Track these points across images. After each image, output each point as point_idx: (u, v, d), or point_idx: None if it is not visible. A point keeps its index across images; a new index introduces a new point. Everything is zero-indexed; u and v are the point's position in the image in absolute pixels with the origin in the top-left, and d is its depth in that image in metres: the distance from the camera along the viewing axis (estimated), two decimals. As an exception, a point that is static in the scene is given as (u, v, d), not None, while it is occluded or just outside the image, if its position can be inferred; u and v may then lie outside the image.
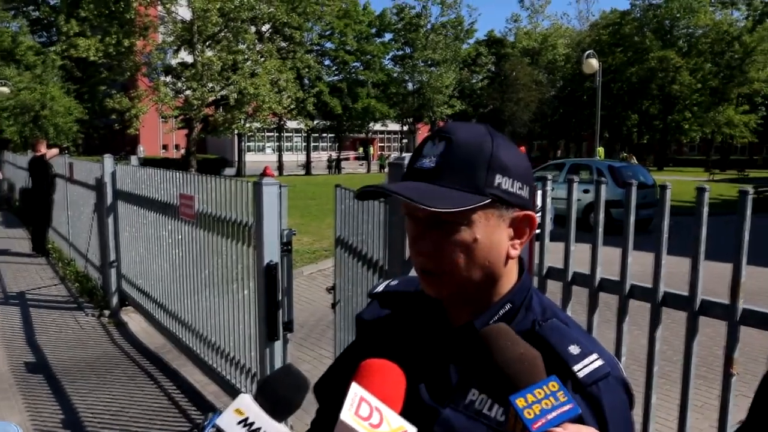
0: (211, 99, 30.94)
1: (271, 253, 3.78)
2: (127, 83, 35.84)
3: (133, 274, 6.82)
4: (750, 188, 1.91)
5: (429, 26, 47.61)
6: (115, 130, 41.93)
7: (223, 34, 30.11)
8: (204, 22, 28.71)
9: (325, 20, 39.57)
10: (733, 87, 44.62)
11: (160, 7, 30.18)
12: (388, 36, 49.34)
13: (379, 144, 61.74)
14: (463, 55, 50.28)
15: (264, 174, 3.91)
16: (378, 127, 50.92)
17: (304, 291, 8.33)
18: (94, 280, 8.11)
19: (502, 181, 0.96)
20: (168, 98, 29.33)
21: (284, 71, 31.98)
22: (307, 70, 38.90)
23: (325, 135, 55.31)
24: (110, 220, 7.13)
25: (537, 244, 2.61)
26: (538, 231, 2.59)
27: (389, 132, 59.00)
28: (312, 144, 49.72)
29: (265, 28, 34.73)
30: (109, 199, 7.09)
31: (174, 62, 31.76)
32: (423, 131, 52.69)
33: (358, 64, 47.25)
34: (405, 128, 51.81)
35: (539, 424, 0.79)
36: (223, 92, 30.91)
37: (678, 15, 46.48)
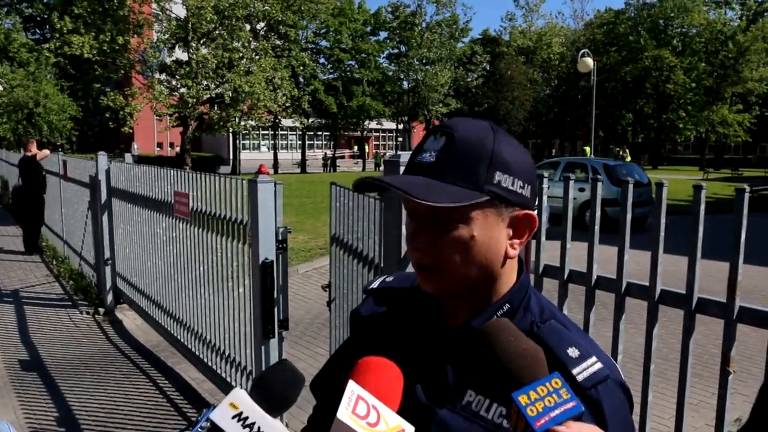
0: (206, 97, 30.86)
1: (267, 250, 3.77)
2: (122, 81, 35.73)
3: (128, 271, 6.80)
4: (747, 186, 1.92)
5: (424, 25, 47.58)
6: (110, 128, 41.71)
7: (217, 31, 30.00)
8: (198, 20, 28.61)
9: (320, 18, 39.47)
10: (727, 86, 44.72)
11: (154, 5, 30.08)
12: (383, 34, 49.33)
13: (375, 142, 61.69)
14: (458, 53, 50.25)
15: (259, 172, 3.91)
16: (373, 125, 50.84)
17: (299, 289, 8.33)
18: (89, 277, 8.09)
19: (503, 179, 0.95)
20: (163, 96, 29.22)
21: (279, 69, 31.90)
22: (302, 68, 38.85)
23: (320, 133, 55.26)
24: (105, 218, 7.11)
25: (533, 243, 2.61)
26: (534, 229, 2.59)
27: (384, 130, 58.96)
28: (307, 142, 49.65)
29: (260, 26, 34.61)
30: (104, 197, 7.06)
31: (169, 60, 31.65)
32: (418, 129, 52.68)
33: (353, 62, 47.16)
34: (400, 126, 51.80)
35: (542, 421, 0.77)
36: (218, 90, 30.83)
37: (672, 14, 46.55)
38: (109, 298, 7.22)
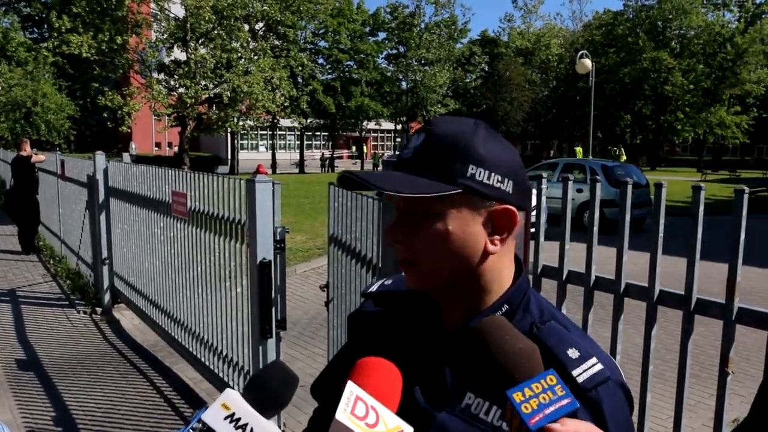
0: (204, 97, 30.84)
1: (265, 250, 3.76)
2: (120, 81, 35.68)
3: (125, 271, 6.79)
4: (746, 187, 1.92)
5: (423, 25, 47.60)
6: (108, 128, 41.66)
7: (216, 31, 29.97)
8: (197, 20, 28.58)
9: (319, 19, 39.47)
10: (725, 88, 44.80)
11: (152, 4, 30.05)
12: (381, 35, 49.33)
13: (373, 143, 61.69)
14: (456, 54, 50.28)
15: (257, 172, 3.91)
16: (372, 125, 50.85)
17: (297, 289, 8.32)
18: (86, 277, 8.07)
19: (476, 172, 0.94)
20: (161, 96, 29.19)
21: (278, 69, 31.88)
22: (300, 68, 38.85)
23: (318, 133, 55.24)
24: (102, 218, 7.10)
25: (531, 243, 2.61)
26: (533, 230, 2.59)
27: (383, 131, 58.96)
28: (305, 142, 49.64)
29: (258, 26, 34.60)
30: (101, 197, 7.05)
31: (167, 60, 31.62)
32: (416, 130, 52.60)
33: (351, 62, 47.18)
34: (399, 127, 51.80)
35: (537, 419, 0.77)
36: (217, 90, 30.81)
37: (670, 16, 46.62)
38: (107, 297, 7.21)
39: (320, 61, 47.12)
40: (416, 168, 0.96)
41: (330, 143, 53.46)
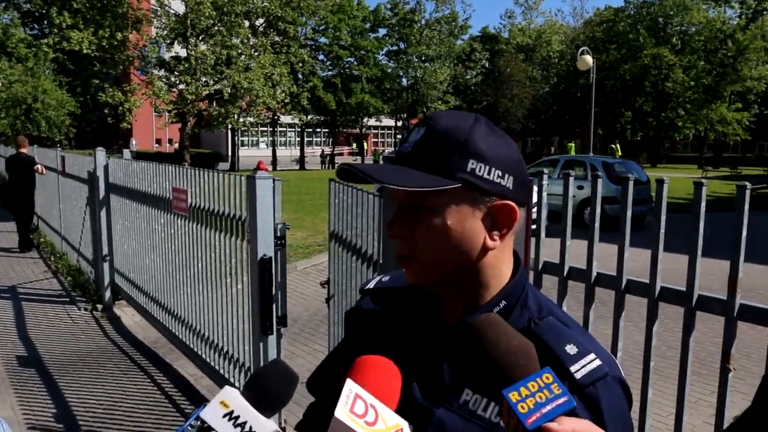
0: (204, 93, 30.77)
1: (265, 247, 3.76)
2: (120, 77, 35.63)
3: (126, 267, 6.79)
4: (748, 184, 1.91)
5: (423, 22, 47.52)
6: (108, 124, 41.63)
7: (216, 27, 29.92)
8: (197, 16, 28.51)
9: (319, 15, 39.39)
10: (726, 85, 44.72)
11: (153, 0, 30.01)
12: (382, 31, 49.27)
13: (373, 139, 61.67)
14: (457, 50, 50.20)
15: (258, 168, 3.90)
16: (372, 122, 50.82)
17: (297, 286, 8.32)
18: (87, 273, 8.08)
19: (476, 167, 0.94)
20: (162, 92, 29.16)
21: (278, 66, 31.81)
22: (301, 64, 38.73)
23: (319, 130, 55.20)
24: (103, 214, 7.09)
25: (533, 239, 2.61)
26: (534, 226, 2.59)
27: (383, 127, 58.93)
28: (306, 139, 49.60)
29: (258, 22, 34.53)
30: (102, 193, 7.05)
31: (167, 56, 31.57)
32: (417, 127, 52.55)
33: (352, 59, 47.13)
34: (399, 124, 51.77)
35: (534, 418, 0.76)
36: (217, 86, 30.76)
37: (671, 12, 46.54)
38: (107, 294, 7.22)
39: (321, 57, 47.12)
40: (416, 162, 0.96)
41: (330, 140, 53.46)
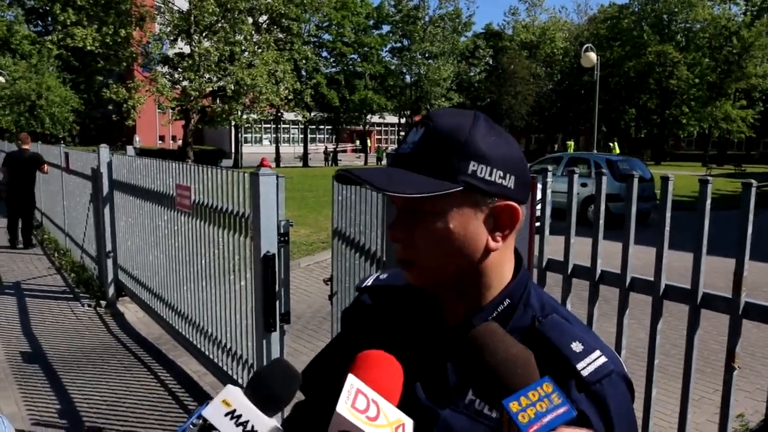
0: (208, 90, 30.80)
1: (269, 244, 3.76)
2: (124, 74, 35.68)
3: (129, 264, 6.80)
4: (754, 181, 1.90)
5: (427, 18, 47.42)
6: (112, 121, 41.75)
7: (220, 24, 29.92)
8: (201, 12, 28.52)
9: (323, 11, 39.33)
10: (731, 82, 44.60)
11: (156, -3, 30.04)
12: (385, 28, 49.21)
13: (377, 136, 61.63)
14: (460, 47, 50.13)
15: (261, 165, 3.90)
16: (375, 119, 50.78)
17: (300, 283, 8.32)
18: (91, 270, 8.09)
19: (478, 169, 0.92)
20: (166, 89, 29.19)
21: (281, 62, 31.83)
22: (304, 61, 38.75)
23: (322, 127, 55.18)
24: (106, 211, 7.11)
25: (537, 237, 2.60)
26: (538, 224, 2.59)
27: (387, 124, 58.88)
28: (309, 136, 49.60)
29: (262, 18, 34.53)
30: (105, 190, 7.06)
31: (171, 53, 31.59)
32: (420, 124, 52.46)
33: (355, 56, 47.08)
34: (402, 120, 51.73)
35: (534, 428, 0.76)
36: (220, 83, 30.77)
37: (676, 9, 46.41)
38: (111, 290, 7.23)
39: (324, 54, 47.05)
40: (416, 165, 0.94)
41: (334, 137, 53.41)
